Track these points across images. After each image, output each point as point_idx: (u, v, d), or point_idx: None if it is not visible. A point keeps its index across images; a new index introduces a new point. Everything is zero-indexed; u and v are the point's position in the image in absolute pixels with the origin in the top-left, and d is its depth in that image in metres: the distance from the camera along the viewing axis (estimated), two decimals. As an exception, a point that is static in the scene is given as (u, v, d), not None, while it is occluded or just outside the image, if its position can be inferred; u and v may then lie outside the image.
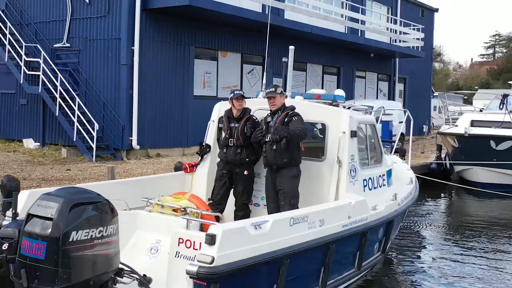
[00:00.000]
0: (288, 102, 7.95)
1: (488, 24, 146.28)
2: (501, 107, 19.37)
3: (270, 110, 7.77)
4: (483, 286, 8.77)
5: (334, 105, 8.27)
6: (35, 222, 4.92)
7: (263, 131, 7.71)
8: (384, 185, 8.74)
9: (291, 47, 8.37)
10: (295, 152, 7.58)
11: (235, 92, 8.00)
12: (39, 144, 18.65)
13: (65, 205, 4.88)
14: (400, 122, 19.81)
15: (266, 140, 7.64)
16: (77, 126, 16.71)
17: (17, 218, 5.71)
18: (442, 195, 18.55)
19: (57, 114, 17.23)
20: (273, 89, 7.65)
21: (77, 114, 16.81)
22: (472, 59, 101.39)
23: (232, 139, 7.93)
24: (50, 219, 4.85)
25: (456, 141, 18.09)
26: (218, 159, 8.22)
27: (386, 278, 8.94)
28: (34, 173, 13.68)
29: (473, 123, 18.02)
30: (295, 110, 7.61)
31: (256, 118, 8.03)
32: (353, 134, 7.84)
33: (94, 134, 16.54)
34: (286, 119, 7.52)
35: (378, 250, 8.68)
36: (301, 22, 21.52)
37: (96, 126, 16.68)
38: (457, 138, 18.00)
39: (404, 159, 11.62)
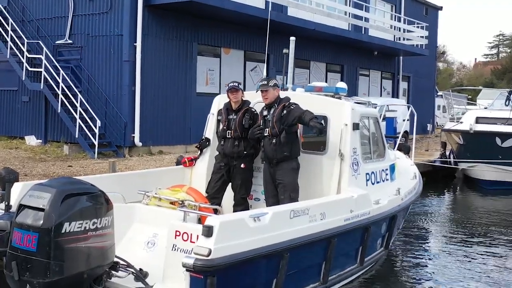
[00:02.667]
0: (289, 94, 7.79)
1: (492, 24, 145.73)
2: (507, 103, 19.19)
3: (266, 104, 7.60)
4: (487, 283, 8.61)
5: (336, 98, 8.13)
6: (27, 213, 4.81)
7: (261, 128, 7.52)
8: (387, 179, 8.58)
9: (292, 38, 8.23)
10: (294, 145, 7.43)
11: (230, 84, 7.83)
12: (41, 141, 18.58)
13: (58, 196, 4.77)
14: (404, 120, 19.65)
15: (265, 134, 7.48)
16: (79, 123, 16.64)
17: (10, 210, 5.60)
18: (446, 191, 18.41)
19: (59, 111, 17.14)
20: (265, 82, 7.40)
21: (79, 111, 16.73)
22: (476, 59, 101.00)
23: (229, 131, 7.76)
24: (42, 209, 4.74)
25: (461, 138, 17.90)
26: (217, 153, 8.08)
27: (388, 274, 8.79)
28: (36, 169, 13.60)
29: (478, 120, 17.79)
30: (291, 101, 7.42)
31: (255, 110, 7.86)
32: (355, 126, 7.68)
33: (96, 131, 16.45)
34: (284, 111, 7.35)
35: (381, 246, 8.52)
36: (304, 19, 21.40)
37: (98, 123, 16.59)
38: (462, 135, 17.81)
39: (408, 156, 11.46)
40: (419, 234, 11.94)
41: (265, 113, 7.55)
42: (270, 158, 7.45)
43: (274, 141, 7.35)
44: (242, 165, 7.72)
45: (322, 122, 7.30)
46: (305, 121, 7.14)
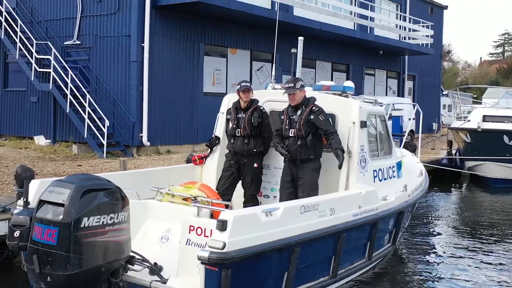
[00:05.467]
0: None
1: (497, 23, 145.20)
2: (514, 101, 19.23)
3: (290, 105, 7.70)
4: (493, 278, 8.72)
5: (343, 96, 8.26)
6: (47, 208, 4.96)
7: (280, 142, 7.66)
8: (394, 176, 8.71)
9: (300, 38, 8.37)
10: (318, 146, 7.60)
11: (242, 84, 7.98)
12: (50, 141, 18.74)
13: (77, 191, 4.92)
14: (410, 119, 19.72)
15: (290, 135, 7.60)
16: (87, 123, 16.77)
17: (28, 206, 5.75)
18: (453, 189, 18.48)
19: (67, 111, 17.31)
20: (292, 85, 7.48)
21: (88, 111, 16.86)
22: (481, 58, 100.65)
23: (239, 129, 7.93)
24: (61, 205, 4.88)
25: (469, 136, 17.93)
26: (227, 151, 8.23)
27: (396, 269, 8.91)
28: (46, 168, 13.74)
29: (485, 118, 17.80)
30: (316, 103, 7.58)
31: (263, 109, 8.03)
32: (363, 124, 7.83)
33: (105, 130, 16.60)
34: (311, 116, 7.49)
35: (389, 241, 8.66)
36: (310, 19, 21.51)
37: (107, 122, 16.73)
38: (469, 133, 17.82)
39: (414, 154, 11.57)
40: (425, 230, 12.05)
41: (290, 113, 7.65)
42: (294, 158, 7.58)
43: (299, 142, 7.50)
44: (255, 165, 7.89)
45: (343, 152, 7.39)
46: (331, 146, 7.38)
